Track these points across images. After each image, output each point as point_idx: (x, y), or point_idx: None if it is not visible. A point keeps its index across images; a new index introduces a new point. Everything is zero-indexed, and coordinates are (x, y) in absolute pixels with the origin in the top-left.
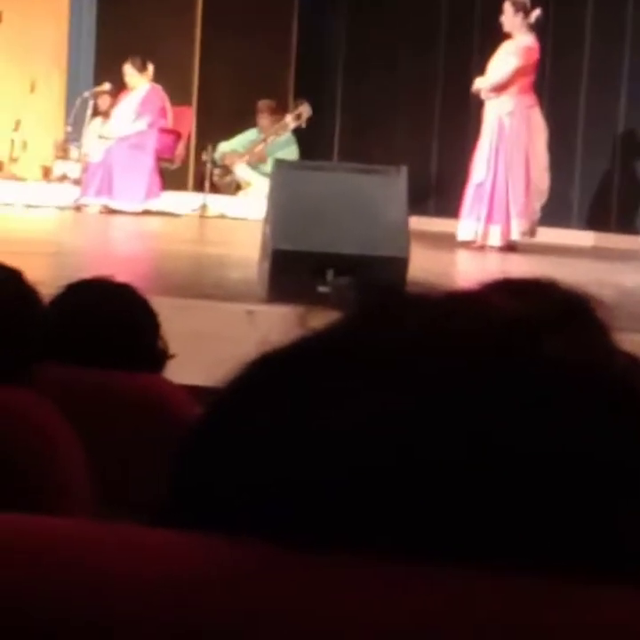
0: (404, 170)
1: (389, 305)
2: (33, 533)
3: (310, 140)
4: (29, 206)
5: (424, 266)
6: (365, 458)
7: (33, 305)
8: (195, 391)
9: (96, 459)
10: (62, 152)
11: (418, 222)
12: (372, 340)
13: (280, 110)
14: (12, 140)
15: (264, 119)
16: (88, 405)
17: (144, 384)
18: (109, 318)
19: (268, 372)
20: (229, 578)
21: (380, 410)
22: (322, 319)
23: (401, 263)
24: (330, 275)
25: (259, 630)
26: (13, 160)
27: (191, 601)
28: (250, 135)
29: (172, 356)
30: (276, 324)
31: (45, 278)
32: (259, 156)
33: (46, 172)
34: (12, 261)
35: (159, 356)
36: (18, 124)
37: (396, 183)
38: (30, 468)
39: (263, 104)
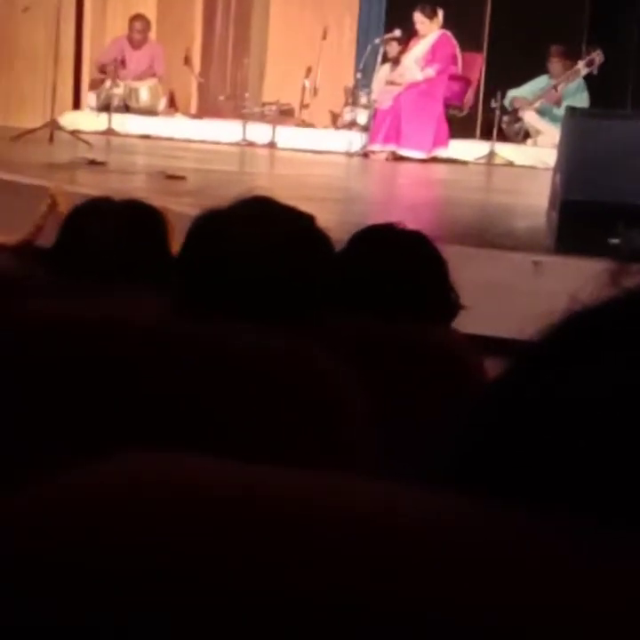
0: None
1: None
2: (322, 492)
3: (602, 88)
4: (318, 152)
5: None
6: None
7: (325, 251)
8: (480, 341)
9: (379, 412)
10: (352, 99)
11: None
12: None
13: (571, 57)
14: (304, 87)
15: (555, 65)
16: (376, 355)
17: (437, 337)
18: (399, 266)
19: (584, 334)
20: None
21: None
22: (636, 277)
23: None
24: (621, 226)
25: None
26: (304, 106)
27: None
28: (540, 82)
29: (462, 307)
30: (565, 277)
31: (333, 224)
32: (556, 98)
33: (335, 119)
34: (302, 206)
35: (450, 307)
36: (309, 70)
37: None
38: (313, 418)
39: (555, 49)
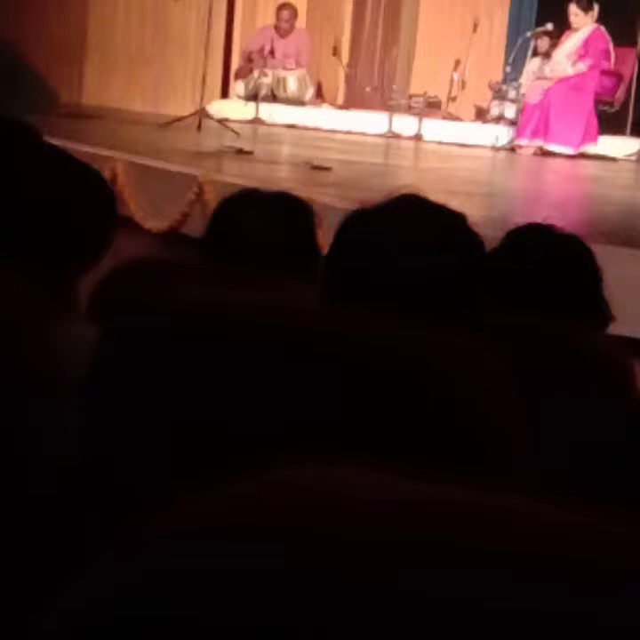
0: None
1: None
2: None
3: None
4: (464, 146)
5: None
6: None
7: (477, 251)
8: (628, 343)
9: (535, 414)
10: (500, 92)
11: None
12: None
13: None
14: (452, 80)
15: None
16: (531, 355)
17: (593, 338)
18: (553, 268)
19: None
20: None
21: None
22: None
23: None
24: None
25: None
26: (451, 99)
27: None
28: None
29: (613, 319)
30: None
31: (479, 219)
32: None
33: (482, 113)
34: (448, 201)
35: (603, 315)
36: (458, 63)
37: None
38: (472, 430)
39: None
